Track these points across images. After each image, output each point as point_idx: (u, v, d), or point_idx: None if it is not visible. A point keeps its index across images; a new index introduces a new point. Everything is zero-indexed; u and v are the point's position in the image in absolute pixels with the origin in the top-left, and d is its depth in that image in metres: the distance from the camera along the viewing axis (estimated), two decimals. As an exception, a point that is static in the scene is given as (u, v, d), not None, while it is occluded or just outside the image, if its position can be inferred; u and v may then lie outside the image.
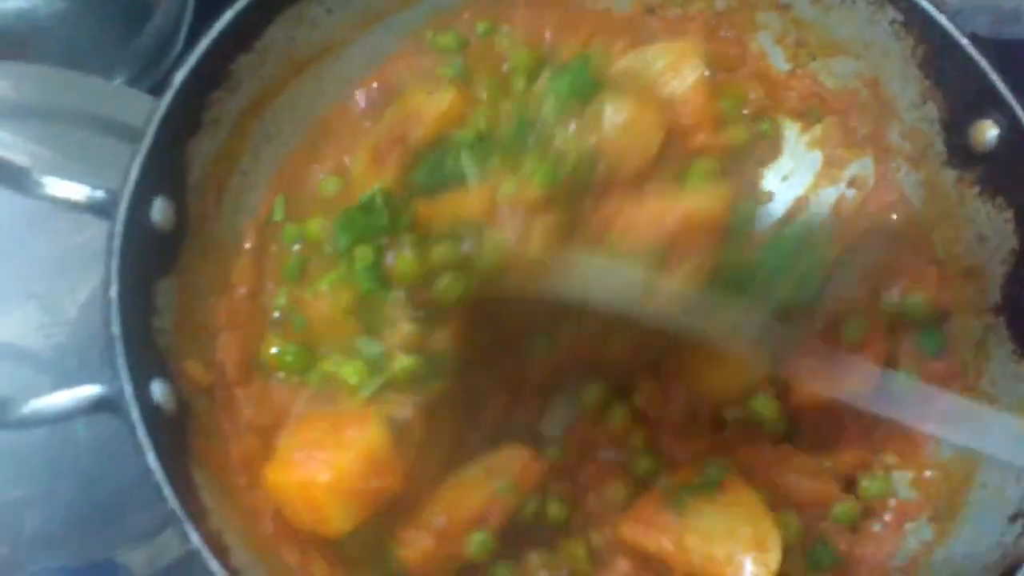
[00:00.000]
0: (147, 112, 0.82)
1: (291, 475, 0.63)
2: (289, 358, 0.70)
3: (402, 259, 0.68)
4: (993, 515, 0.62)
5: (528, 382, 0.73)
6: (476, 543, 0.65)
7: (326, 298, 0.70)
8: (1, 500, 0.75)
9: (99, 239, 0.70)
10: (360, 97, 0.77)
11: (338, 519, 0.62)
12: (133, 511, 0.76)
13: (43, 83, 0.87)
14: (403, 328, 0.68)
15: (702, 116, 0.69)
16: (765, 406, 0.69)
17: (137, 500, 0.76)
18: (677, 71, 0.70)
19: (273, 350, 0.70)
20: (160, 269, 0.65)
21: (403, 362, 0.67)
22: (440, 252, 0.66)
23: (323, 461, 0.62)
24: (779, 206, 0.78)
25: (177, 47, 0.94)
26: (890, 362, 0.70)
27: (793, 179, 0.79)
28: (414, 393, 0.67)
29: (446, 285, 0.66)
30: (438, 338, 0.68)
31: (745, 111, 0.78)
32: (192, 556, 0.71)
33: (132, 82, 0.92)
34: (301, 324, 0.71)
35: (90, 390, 0.58)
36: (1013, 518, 0.60)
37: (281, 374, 0.70)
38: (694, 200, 0.64)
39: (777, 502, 0.66)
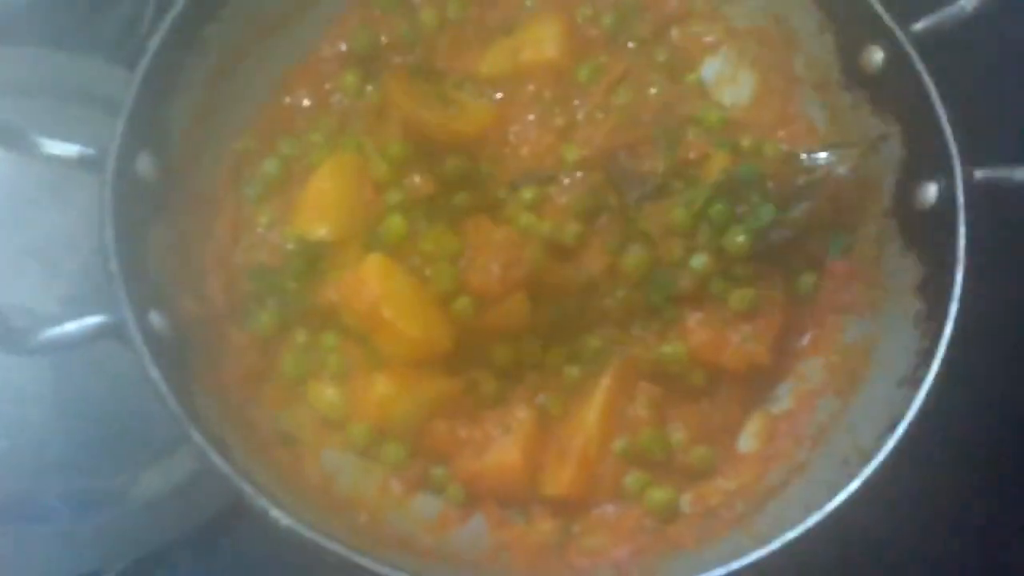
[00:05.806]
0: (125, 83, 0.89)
1: None
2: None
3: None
4: (884, 384, 0.69)
5: None
6: None
7: None
8: (24, 438, 0.82)
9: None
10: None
11: None
12: (135, 443, 0.83)
13: (27, 63, 0.93)
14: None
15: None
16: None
17: (138, 434, 0.83)
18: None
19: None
20: (150, 216, 0.71)
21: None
22: None
23: None
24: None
25: (146, 23, 0.99)
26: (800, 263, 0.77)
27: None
28: None
29: None
30: None
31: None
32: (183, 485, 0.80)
33: (109, 58, 0.97)
34: None
35: (95, 319, 0.64)
36: (899, 383, 0.68)
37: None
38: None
39: None
